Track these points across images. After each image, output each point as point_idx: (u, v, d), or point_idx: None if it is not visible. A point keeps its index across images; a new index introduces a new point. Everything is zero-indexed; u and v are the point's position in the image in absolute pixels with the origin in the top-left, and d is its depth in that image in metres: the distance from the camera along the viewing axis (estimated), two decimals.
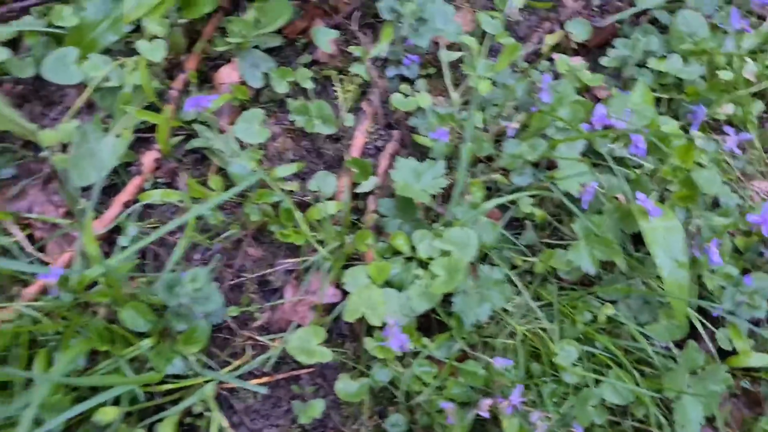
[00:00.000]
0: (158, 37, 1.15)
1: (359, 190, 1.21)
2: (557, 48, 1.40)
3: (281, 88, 1.26)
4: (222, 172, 1.20)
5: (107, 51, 1.18)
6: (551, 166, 1.16)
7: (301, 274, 1.17)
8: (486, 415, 0.96)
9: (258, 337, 1.13)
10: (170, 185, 1.20)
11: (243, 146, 1.21)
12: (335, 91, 1.31)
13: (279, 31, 1.29)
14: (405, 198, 1.14)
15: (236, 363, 1.11)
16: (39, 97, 1.23)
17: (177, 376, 1.03)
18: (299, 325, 1.12)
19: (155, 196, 1.16)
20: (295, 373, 1.13)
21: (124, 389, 0.94)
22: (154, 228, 1.15)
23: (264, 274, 1.17)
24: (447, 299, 1.09)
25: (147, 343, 1.00)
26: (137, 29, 1.20)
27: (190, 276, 0.98)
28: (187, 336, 1.00)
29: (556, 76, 1.33)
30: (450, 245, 1.07)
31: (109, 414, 0.91)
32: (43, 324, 1.00)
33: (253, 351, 1.12)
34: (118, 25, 1.16)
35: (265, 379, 1.10)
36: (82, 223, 1.12)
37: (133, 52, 1.20)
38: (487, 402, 0.96)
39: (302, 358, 1.05)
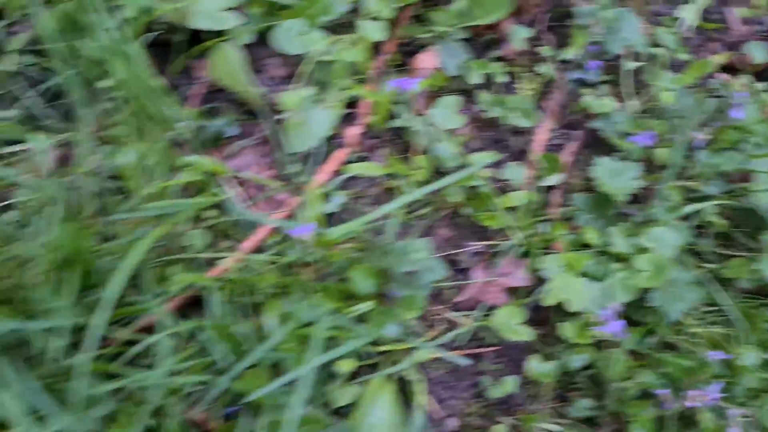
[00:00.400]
0: (379, 18, 1.21)
1: (544, 183, 1.26)
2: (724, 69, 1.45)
3: (474, 78, 1.31)
4: (403, 154, 1.25)
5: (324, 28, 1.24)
6: (743, 179, 1.21)
7: (489, 257, 1.22)
8: (695, 405, 1.01)
9: (450, 314, 1.17)
10: (366, 160, 1.25)
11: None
12: (515, 87, 1.37)
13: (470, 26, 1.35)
14: (601, 194, 1.19)
15: (429, 335, 1.15)
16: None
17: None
18: (490, 306, 1.17)
19: (359, 168, 1.21)
20: (479, 350, 1.18)
21: (357, 344, 0.98)
22: (356, 198, 1.21)
23: (452, 254, 1.22)
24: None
25: (368, 305, 1.05)
26: (354, 10, 1.25)
27: (418, 245, 1.03)
28: (407, 302, 1.05)
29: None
30: (651, 243, 1.12)
31: (347, 366, 0.96)
32: (267, 277, 1.05)
33: (440, 326, 1.17)
34: (340, 3, 1.22)
35: (455, 353, 1.15)
36: (297, 186, 1.17)
37: (341, 30, 1.26)
38: (694, 393, 1.01)
39: (507, 335, 1.10)
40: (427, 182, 1.21)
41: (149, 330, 0.99)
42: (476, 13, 1.24)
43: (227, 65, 1.14)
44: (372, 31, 1.19)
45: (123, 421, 0.83)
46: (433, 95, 1.31)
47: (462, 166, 1.22)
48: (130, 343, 0.95)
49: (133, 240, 0.96)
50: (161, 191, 1.08)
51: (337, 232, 1.01)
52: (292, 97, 1.13)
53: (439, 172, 1.23)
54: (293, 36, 1.17)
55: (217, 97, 1.26)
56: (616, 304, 1.06)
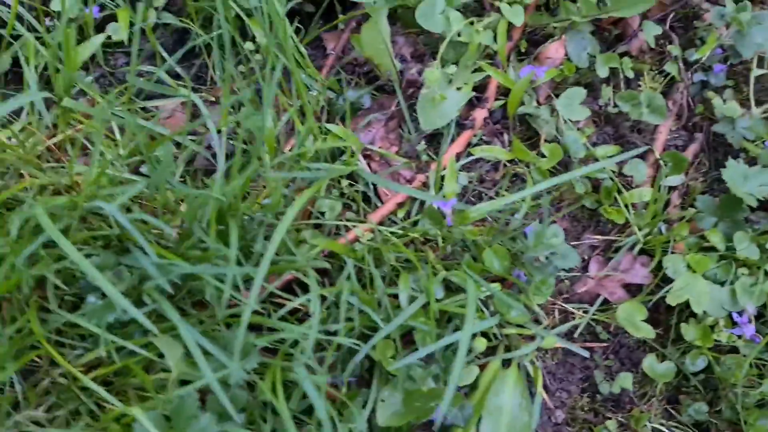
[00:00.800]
0: (518, 2, 1.20)
1: (666, 183, 1.25)
2: None
3: (603, 72, 1.30)
4: (526, 141, 1.25)
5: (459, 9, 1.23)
6: None
7: (608, 251, 1.21)
8: None
9: (564, 304, 1.17)
10: (490, 144, 1.25)
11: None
12: (639, 84, 1.35)
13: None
14: (729, 198, 1.17)
15: (543, 324, 1.15)
16: None
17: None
18: (606, 300, 1.17)
19: (486, 151, 1.21)
20: (593, 344, 1.17)
21: (487, 324, 0.98)
22: (480, 181, 1.21)
23: (571, 245, 1.21)
24: None
25: (495, 286, 1.05)
26: None
27: (552, 231, 1.03)
28: (536, 287, 1.05)
29: None
30: None
31: (481, 343, 0.96)
32: (399, 248, 1.05)
33: (557, 316, 1.17)
34: None
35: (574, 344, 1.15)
36: (422, 164, 1.17)
37: (470, 13, 1.26)
38: None
39: (631, 330, 1.09)
40: (551, 171, 1.20)
41: (289, 289, 1.00)
42: (614, 6, 1.23)
43: (375, 38, 1.14)
44: (512, 14, 1.18)
45: (271, 375, 0.84)
46: (557, 85, 1.30)
47: (587, 159, 1.22)
48: (271, 300, 0.97)
49: (284, 200, 0.97)
50: (296, 157, 1.08)
51: (477, 210, 1.01)
52: (434, 74, 1.12)
53: (562, 163, 1.22)
54: (436, 14, 1.16)
55: (347, 69, 1.27)
56: (751, 308, 1.05)
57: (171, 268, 0.80)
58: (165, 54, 1.24)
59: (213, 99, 1.23)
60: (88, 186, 0.91)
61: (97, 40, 1.21)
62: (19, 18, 1.17)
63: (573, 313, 1.16)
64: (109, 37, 1.23)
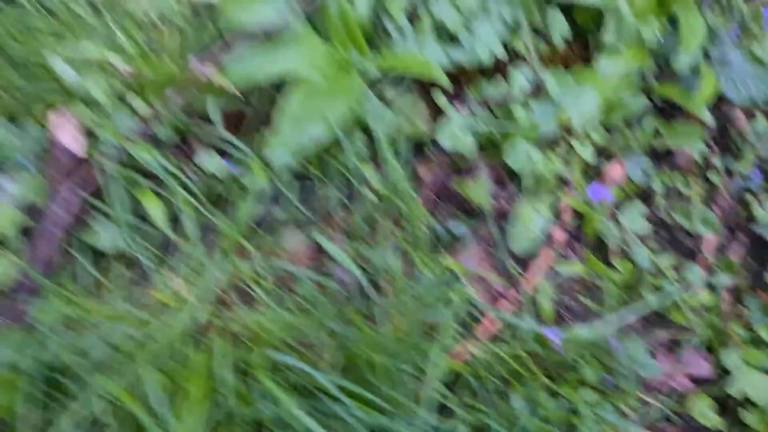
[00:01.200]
0: (591, 141, 1.42)
1: (718, 284, 1.47)
2: None
3: (658, 186, 1.52)
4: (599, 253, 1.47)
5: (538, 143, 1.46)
6: None
7: (672, 347, 1.43)
8: None
9: (641, 395, 1.38)
10: (569, 259, 1.47)
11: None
12: (688, 194, 1.57)
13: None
14: None
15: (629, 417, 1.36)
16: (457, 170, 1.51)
17: None
18: (675, 390, 1.38)
19: (566, 267, 1.43)
20: (666, 428, 1.38)
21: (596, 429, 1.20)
22: (564, 294, 1.43)
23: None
24: None
25: (589, 393, 1.26)
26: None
27: (636, 347, 1.25)
28: (622, 391, 1.26)
29: None
30: None
31: None
32: (508, 364, 1.27)
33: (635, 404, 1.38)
34: (548, 124, 1.43)
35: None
36: (514, 281, 1.39)
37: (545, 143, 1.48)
38: None
39: (700, 420, 1.31)
40: (626, 283, 1.42)
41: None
42: (669, 137, 1.45)
43: (479, 188, 1.36)
44: (584, 151, 1.40)
45: None
46: (619, 201, 1.52)
47: (653, 267, 1.44)
48: None
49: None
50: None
51: (581, 333, 1.23)
52: (522, 205, 1.34)
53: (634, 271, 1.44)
54: (522, 153, 1.38)
55: (441, 196, 1.49)
56: None
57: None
58: (290, 195, 1.45)
59: (332, 231, 1.45)
60: (266, 335, 1.12)
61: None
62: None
63: (649, 403, 1.38)
64: None
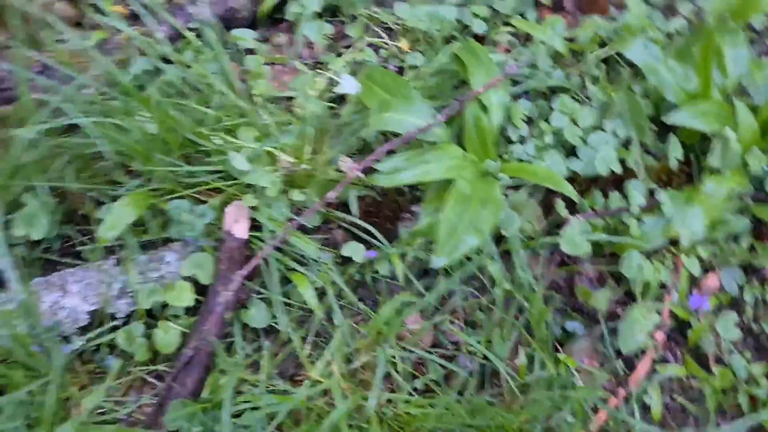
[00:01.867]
0: (696, 255, 1.57)
1: None
2: None
3: (749, 298, 1.66)
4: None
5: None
6: None
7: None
8: None
9: None
10: (668, 361, 1.60)
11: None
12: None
13: None
14: None
15: None
16: None
17: None
18: None
19: (666, 369, 1.56)
20: None
21: None
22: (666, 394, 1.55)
23: None
24: None
25: None
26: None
27: None
28: None
29: None
30: None
31: None
32: None
33: None
34: (656, 237, 1.58)
35: None
36: (620, 379, 1.52)
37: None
38: None
39: None
40: (724, 388, 1.55)
41: None
42: (762, 256, 1.59)
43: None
44: (691, 265, 1.55)
45: None
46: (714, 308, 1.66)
47: (747, 374, 1.57)
48: None
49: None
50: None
51: None
52: (633, 311, 1.48)
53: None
54: (635, 263, 1.52)
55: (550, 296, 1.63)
56: None
57: None
58: (416, 283, 1.59)
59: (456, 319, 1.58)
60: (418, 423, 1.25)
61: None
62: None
63: None
64: None
